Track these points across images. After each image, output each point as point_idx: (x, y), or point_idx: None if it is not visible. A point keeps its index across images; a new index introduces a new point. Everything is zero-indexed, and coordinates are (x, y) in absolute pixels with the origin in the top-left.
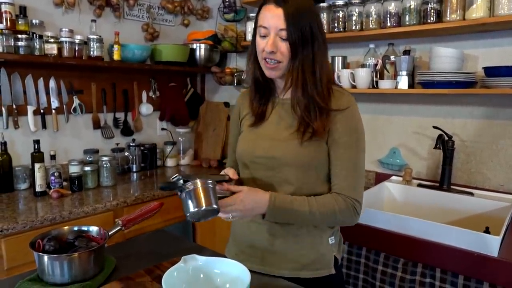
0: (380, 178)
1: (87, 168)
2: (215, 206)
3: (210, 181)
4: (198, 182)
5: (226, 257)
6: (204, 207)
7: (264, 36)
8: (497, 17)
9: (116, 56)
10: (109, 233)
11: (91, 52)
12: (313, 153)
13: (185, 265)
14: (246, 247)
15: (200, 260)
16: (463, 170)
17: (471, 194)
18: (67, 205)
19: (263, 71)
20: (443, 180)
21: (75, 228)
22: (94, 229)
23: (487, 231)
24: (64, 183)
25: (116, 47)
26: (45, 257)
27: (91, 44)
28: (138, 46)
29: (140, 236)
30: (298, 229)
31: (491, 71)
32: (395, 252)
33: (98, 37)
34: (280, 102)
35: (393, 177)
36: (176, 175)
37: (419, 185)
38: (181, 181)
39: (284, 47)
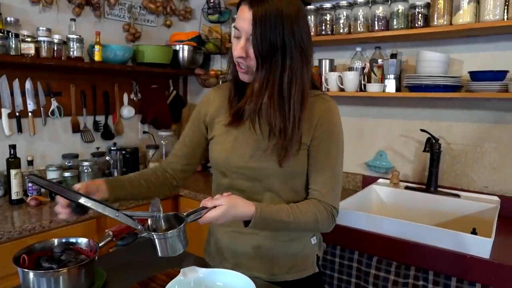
0: (367, 181)
1: (67, 174)
2: (182, 250)
3: (182, 228)
4: (169, 234)
5: (207, 262)
6: (175, 254)
7: (237, 38)
8: (483, 22)
9: (97, 57)
10: (99, 245)
11: (71, 53)
12: (297, 163)
13: (184, 278)
14: (231, 256)
15: (201, 272)
16: (448, 172)
17: (458, 196)
18: (47, 213)
19: None
20: (430, 182)
21: (63, 240)
22: (83, 241)
23: (474, 232)
24: (42, 190)
25: (97, 47)
26: (31, 274)
27: (71, 44)
28: (119, 47)
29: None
30: (284, 235)
31: (477, 76)
32: (387, 255)
33: (78, 37)
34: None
35: (380, 180)
36: (140, 227)
37: (407, 188)
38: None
39: (253, 53)
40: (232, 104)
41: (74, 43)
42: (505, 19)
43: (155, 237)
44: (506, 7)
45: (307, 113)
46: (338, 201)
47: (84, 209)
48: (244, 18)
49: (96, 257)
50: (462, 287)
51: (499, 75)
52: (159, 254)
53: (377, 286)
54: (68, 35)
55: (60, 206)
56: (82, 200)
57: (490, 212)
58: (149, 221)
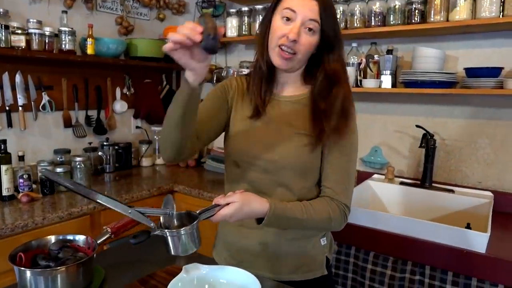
0: (362, 176)
1: (59, 170)
2: (195, 249)
3: (195, 225)
4: (182, 231)
5: (214, 259)
6: (187, 253)
7: (288, 20)
8: (479, 19)
9: (90, 50)
10: (98, 242)
11: (63, 46)
12: (312, 157)
13: (187, 275)
14: (237, 252)
15: (203, 269)
16: (443, 168)
17: (452, 191)
18: (39, 210)
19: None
20: (425, 177)
21: (60, 237)
22: (80, 238)
23: (468, 227)
24: (34, 186)
25: (90, 40)
26: (28, 272)
27: (63, 37)
28: (112, 40)
29: (122, 241)
30: (291, 232)
31: (472, 72)
32: (384, 250)
33: (70, 29)
34: (277, 99)
35: (375, 175)
36: (153, 224)
37: (402, 183)
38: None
39: (305, 39)
40: (261, 92)
41: (66, 35)
42: (501, 16)
43: (167, 235)
44: (502, 4)
45: None
46: (351, 199)
47: (215, 44)
48: (305, 4)
49: (95, 255)
50: (458, 282)
51: (494, 71)
52: (172, 253)
53: (374, 281)
54: (60, 28)
55: (197, 29)
56: (96, 196)
57: (484, 207)
58: (161, 219)
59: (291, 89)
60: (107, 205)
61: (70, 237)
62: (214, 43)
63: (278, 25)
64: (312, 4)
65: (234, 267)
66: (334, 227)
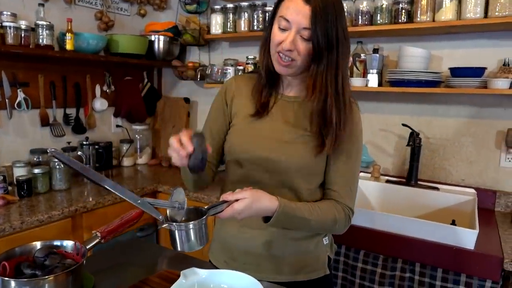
0: None
1: (37, 171)
2: (201, 246)
3: (204, 220)
4: (190, 225)
5: (211, 262)
6: (193, 249)
7: (283, 30)
8: (464, 20)
9: (69, 46)
10: (87, 247)
11: (40, 40)
12: (317, 159)
13: (186, 281)
14: (239, 254)
15: (202, 273)
16: (427, 166)
17: (437, 189)
18: (16, 213)
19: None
20: (410, 175)
21: (46, 243)
22: (68, 244)
23: (453, 223)
24: (9, 188)
25: (69, 35)
26: (12, 283)
27: (40, 31)
28: (93, 36)
29: (109, 244)
30: (295, 232)
31: (457, 72)
32: (374, 249)
33: (48, 23)
34: (283, 99)
35: (361, 174)
36: (161, 217)
37: (387, 181)
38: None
39: (302, 47)
40: (262, 93)
41: (44, 30)
42: (485, 18)
43: (175, 228)
44: (486, 6)
45: None
46: (354, 202)
47: (202, 167)
48: (298, 10)
49: (84, 261)
50: (448, 278)
51: (478, 71)
52: (178, 248)
53: (365, 279)
54: (37, 22)
55: (184, 151)
56: (105, 182)
57: (467, 204)
58: (168, 212)
59: (297, 89)
60: (115, 192)
61: (56, 242)
62: (200, 164)
63: (276, 33)
64: (306, 10)
65: (234, 270)
66: (338, 230)
